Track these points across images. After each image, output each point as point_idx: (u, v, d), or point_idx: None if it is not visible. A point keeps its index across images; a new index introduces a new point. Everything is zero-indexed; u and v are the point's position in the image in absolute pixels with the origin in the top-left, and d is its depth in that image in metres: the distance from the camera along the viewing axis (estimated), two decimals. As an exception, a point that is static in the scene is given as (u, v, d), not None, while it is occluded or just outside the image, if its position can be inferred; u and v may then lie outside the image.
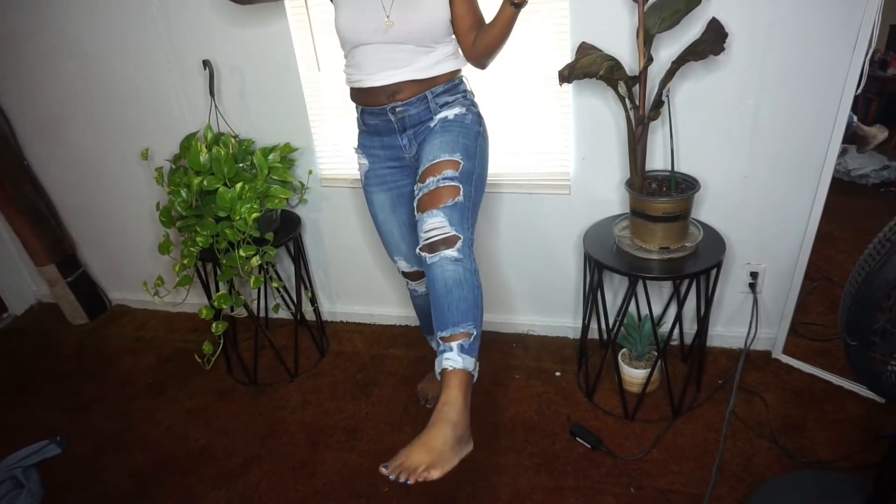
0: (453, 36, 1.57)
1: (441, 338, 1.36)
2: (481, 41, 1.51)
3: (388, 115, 1.58)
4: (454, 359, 1.33)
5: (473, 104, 1.63)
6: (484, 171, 1.59)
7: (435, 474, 1.23)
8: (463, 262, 1.39)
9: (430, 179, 1.45)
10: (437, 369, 1.35)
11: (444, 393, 1.30)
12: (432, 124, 1.58)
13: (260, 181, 1.90)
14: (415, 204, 1.45)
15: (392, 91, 1.55)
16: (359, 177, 1.75)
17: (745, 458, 1.70)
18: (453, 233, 1.39)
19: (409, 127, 1.59)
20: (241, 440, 1.98)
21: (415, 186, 1.50)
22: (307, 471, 1.83)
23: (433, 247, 1.39)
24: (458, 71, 1.61)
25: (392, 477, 1.24)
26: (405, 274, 1.85)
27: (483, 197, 1.59)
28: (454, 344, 1.34)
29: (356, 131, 1.72)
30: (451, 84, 1.58)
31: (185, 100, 2.19)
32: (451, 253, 1.38)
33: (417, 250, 1.42)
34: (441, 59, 1.54)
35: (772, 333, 2.05)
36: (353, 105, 1.67)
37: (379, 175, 1.69)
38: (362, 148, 1.70)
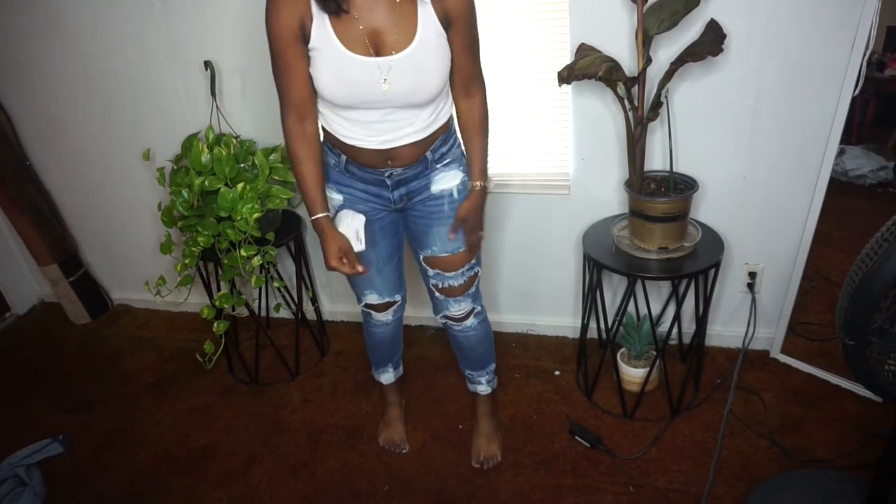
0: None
1: (471, 374, 1.82)
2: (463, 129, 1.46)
3: (383, 177, 1.44)
4: (485, 389, 1.84)
5: (463, 152, 1.52)
6: None
7: (500, 455, 1.78)
8: (480, 314, 1.69)
9: (453, 273, 1.56)
10: (472, 390, 1.86)
11: (481, 405, 1.85)
12: (434, 189, 1.47)
13: (261, 181, 1.90)
14: (435, 287, 1.60)
15: (389, 155, 1.39)
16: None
17: (744, 457, 1.70)
18: (477, 307, 1.67)
19: (402, 184, 1.46)
20: (242, 439, 1.98)
21: (429, 269, 1.57)
22: (308, 469, 1.84)
23: (459, 320, 1.66)
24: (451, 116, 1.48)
25: (485, 467, 1.75)
26: (372, 307, 1.69)
27: None
28: (483, 379, 1.82)
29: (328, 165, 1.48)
30: (447, 133, 1.45)
31: (186, 100, 2.19)
32: (473, 320, 1.68)
33: (440, 318, 1.68)
34: (439, 111, 1.39)
35: (770, 333, 2.05)
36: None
37: (357, 210, 1.51)
38: (336, 185, 1.49)
